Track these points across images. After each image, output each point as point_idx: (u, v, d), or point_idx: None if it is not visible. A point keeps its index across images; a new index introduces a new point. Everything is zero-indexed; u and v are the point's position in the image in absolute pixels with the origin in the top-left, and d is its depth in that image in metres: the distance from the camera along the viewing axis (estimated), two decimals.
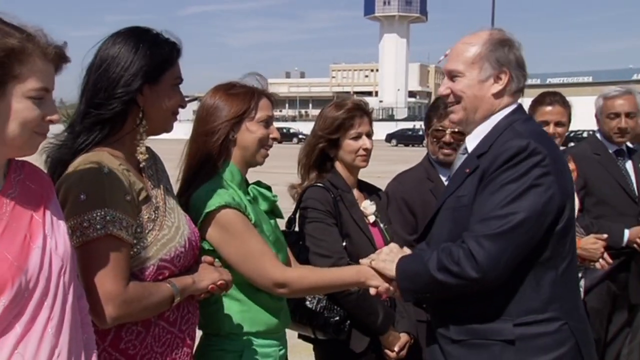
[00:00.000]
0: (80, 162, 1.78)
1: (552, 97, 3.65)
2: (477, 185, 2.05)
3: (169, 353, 1.91)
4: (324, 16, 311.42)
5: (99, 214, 1.71)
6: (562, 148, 3.87)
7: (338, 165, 2.89)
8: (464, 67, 2.18)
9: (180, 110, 2.02)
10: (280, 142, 2.42)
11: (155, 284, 1.84)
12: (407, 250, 2.28)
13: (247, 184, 2.42)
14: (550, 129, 3.53)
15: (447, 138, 3.08)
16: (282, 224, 2.59)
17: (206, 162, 2.28)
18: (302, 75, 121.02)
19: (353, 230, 2.76)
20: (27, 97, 1.49)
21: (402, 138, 49.63)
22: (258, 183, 2.46)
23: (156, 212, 1.87)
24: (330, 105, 2.95)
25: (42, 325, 1.51)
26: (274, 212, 2.47)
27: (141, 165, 1.92)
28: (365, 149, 2.84)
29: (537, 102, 3.66)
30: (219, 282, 1.99)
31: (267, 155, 2.39)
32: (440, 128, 3.09)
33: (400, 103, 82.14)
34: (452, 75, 2.22)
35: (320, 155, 2.87)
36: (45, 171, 1.81)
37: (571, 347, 2.02)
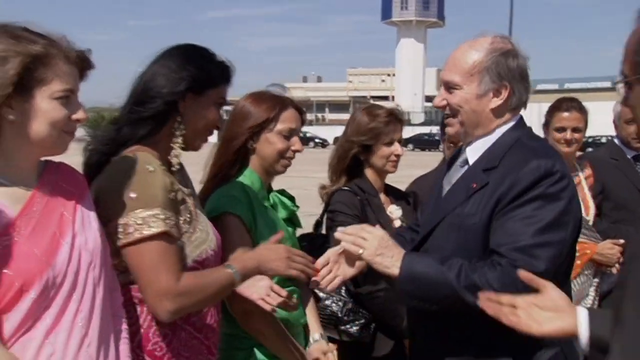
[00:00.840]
0: (125, 161, 1.82)
1: (569, 103, 3.64)
2: (493, 207, 1.89)
3: (194, 358, 1.91)
4: (341, 21, 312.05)
5: (150, 212, 1.75)
6: (579, 154, 3.87)
7: (367, 170, 2.94)
8: (461, 79, 2.00)
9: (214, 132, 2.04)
10: (301, 151, 2.44)
11: (208, 272, 1.87)
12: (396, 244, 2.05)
13: (270, 190, 2.46)
14: (568, 134, 3.53)
15: None
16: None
17: (223, 167, 2.33)
18: (319, 80, 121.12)
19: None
20: (53, 98, 1.56)
21: (419, 142, 49.46)
22: (282, 191, 2.51)
23: (190, 215, 1.91)
24: (362, 110, 2.99)
25: (71, 317, 1.57)
26: (292, 220, 2.51)
27: (173, 169, 1.95)
28: (397, 155, 2.91)
29: (555, 108, 3.66)
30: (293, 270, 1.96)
31: (288, 165, 2.41)
32: None
33: (416, 107, 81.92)
34: (449, 87, 2.04)
35: (353, 159, 2.91)
36: (86, 162, 1.89)
37: None
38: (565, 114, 3.58)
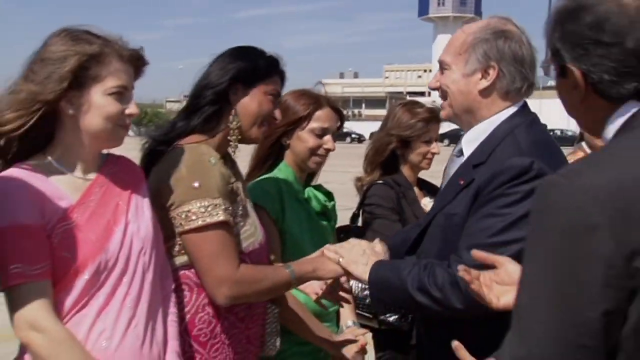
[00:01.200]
0: (187, 152, 1.88)
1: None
2: (470, 204, 1.79)
3: (234, 345, 1.98)
4: (378, 18, 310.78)
5: (213, 201, 1.82)
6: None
7: (403, 165, 3.01)
8: (451, 59, 1.91)
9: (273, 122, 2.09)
10: (333, 150, 2.50)
11: (273, 268, 1.99)
12: (379, 252, 2.06)
13: (306, 184, 2.54)
14: None
15: None
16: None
17: (260, 161, 2.43)
18: (356, 76, 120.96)
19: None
20: (107, 94, 1.66)
21: (455, 138, 48.78)
22: (318, 186, 2.59)
23: (243, 208, 1.99)
24: (402, 107, 3.05)
25: (121, 299, 1.67)
26: (325, 214, 2.58)
27: (232, 156, 2.06)
28: (433, 153, 2.99)
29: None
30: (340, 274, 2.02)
31: (320, 162, 2.46)
32: None
33: None
34: (442, 67, 1.95)
35: (390, 154, 2.98)
36: (144, 153, 1.99)
37: None
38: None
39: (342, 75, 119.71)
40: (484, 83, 1.87)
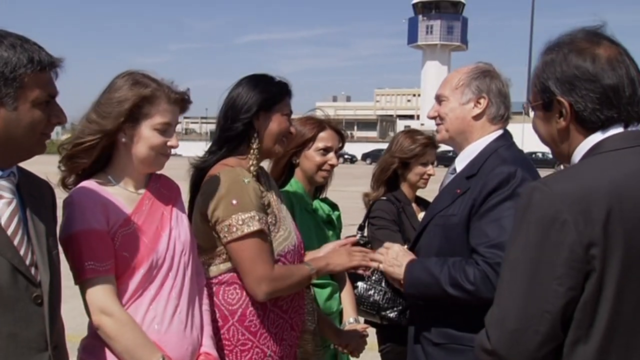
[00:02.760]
0: (226, 175, 2.14)
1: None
2: (470, 208, 2.11)
3: (280, 333, 2.24)
4: (369, 44, 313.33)
5: (248, 214, 2.08)
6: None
7: (403, 184, 3.35)
8: (449, 92, 2.31)
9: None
10: (336, 165, 2.84)
11: (294, 267, 2.23)
12: (409, 253, 2.32)
13: (315, 197, 2.88)
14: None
15: None
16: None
17: (274, 177, 2.69)
18: (348, 99, 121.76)
19: (412, 237, 3.15)
20: (154, 129, 1.96)
21: (443, 159, 49.59)
22: (324, 199, 2.94)
23: (274, 217, 2.25)
24: (405, 134, 3.42)
25: (168, 290, 1.97)
26: (331, 223, 2.90)
27: (261, 172, 2.34)
28: (429, 175, 3.33)
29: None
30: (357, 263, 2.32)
31: (326, 176, 2.81)
32: None
33: None
34: (440, 100, 2.35)
35: (393, 173, 3.33)
36: (191, 178, 2.29)
37: None
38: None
39: (335, 99, 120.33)
40: (477, 110, 2.28)
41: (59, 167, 1.97)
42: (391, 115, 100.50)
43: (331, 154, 2.78)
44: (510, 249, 1.48)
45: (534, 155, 37.77)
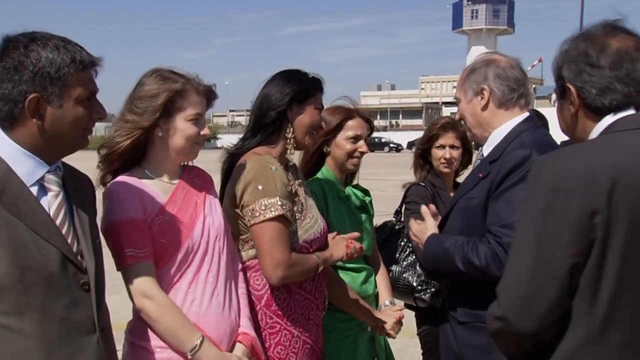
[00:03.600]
0: (254, 162, 2.23)
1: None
2: (487, 190, 2.18)
3: (307, 314, 2.34)
4: (413, 32, 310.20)
5: (273, 200, 2.16)
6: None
7: (435, 169, 3.38)
8: (459, 94, 2.42)
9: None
10: (372, 150, 2.85)
11: (307, 255, 2.29)
12: (435, 228, 2.43)
13: (348, 184, 2.92)
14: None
15: None
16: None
17: (306, 167, 2.77)
18: (393, 88, 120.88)
19: None
20: (187, 120, 2.05)
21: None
22: (356, 185, 2.99)
23: (301, 205, 2.34)
24: (433, 120, 3.49)
25: (205, 274, 2.05)
26: (364, 208, 2.94)
27: (290, 164, 2.42)
28: (445, 158, 3.31)
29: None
30: (348, 253, 2.42)
31: (357, 164, 2.84)
32: None
33: None
34: (458, 102, 2.46)
35: (419, 158, 3.41)
36: (221, 161, 2.38)
37: None
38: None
39: (379, 88, 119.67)
40: (482, 102, 2.33)
41: (98, 166, 2.08)
42: (437, 103, 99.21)
43: (361, 142, 2.81)
44: (521, 220, 1.54)
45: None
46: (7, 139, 1.58)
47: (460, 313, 2.30)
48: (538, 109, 4.54)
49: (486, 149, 2.35)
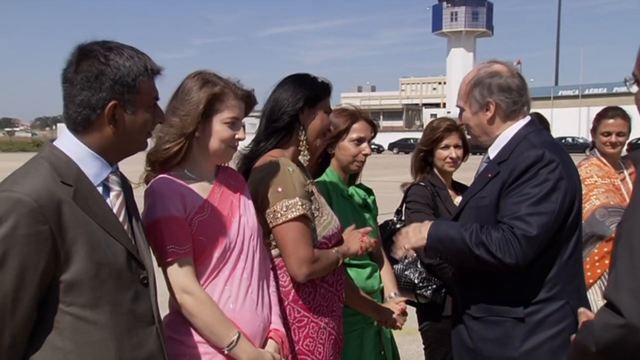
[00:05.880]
0: (272, 165, 2.30)
1: (614, 111, 4.00)
2: (500, 189, 2.26)
3: (331, 306, 2.42)
4: (393, 33, 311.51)
5: (293, 201, 2.23)
6: (625, 154, 4.18)
7: (435, 169, 3.47)
8: (462, 103, 2.49)
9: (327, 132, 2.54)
10: (370, 154, 2.96)
11: (327, 251, 2.36)
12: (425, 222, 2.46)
13: (351, 184, 3.01)
14: (613, 138, 3.88)
15: None
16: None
17: (311, 168, 2.80)
18: (373, 89, 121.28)
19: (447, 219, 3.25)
20: (224, 123, 2.10)
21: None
22: (359, 185, 3.08)
23: (318, 204, 2.40)
24: (432, 121, 3.57)
25: (240, 272, 2.11)
26: (367, 207, 3.03)
27: (305, 165, 2.49)
28: (451, 158, 3.41)
29: (601, 116, 4.01)
30: (363, 247, 2.49)
31: (360, 165, 2.95)
32: None
33: None
34: (461, 110, 2.53)
35: (421, 160, 3.48)
36: (236, 164, 2.43)
37: (570, 323, 2.21)
38: (611, 121, 3.92)
39: (360, 89, 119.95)
40: (488, 115, 2.42)
41: (146, 169, 2.16)
42: (417, 104, 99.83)
43: (364, 144, 2.91)
44: (635, 212, 1.36)
45: (563, 140, 37.38)
46: (77, 141, 1.66)
47: (474, 309, 2.37)
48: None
49: (492, 152, 2.44)
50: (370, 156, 3.02)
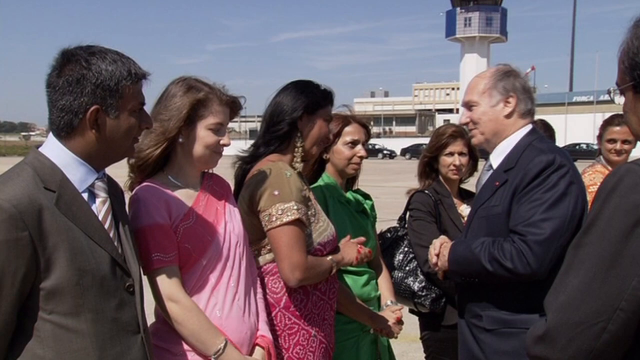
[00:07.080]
0: (270, 169, 2.29)
1: (621, 118, 3.94)
2: (511, 196, 2.26)
3: (322, 314, 2.41)
4: (406, 39, 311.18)
5: (289, 204, 2.22)
6: (631, 161, 4.12)
7: (440, 176, 3.42)
8: (477, 98, 2.45)
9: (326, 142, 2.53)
10: (366, 157, 2.94)
11: (321, 258, 2.35)
12: (447, 241, 2.52)
13: (348, 189, 2.99)
14: (618, 145, 3.82)
15: None
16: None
17: (306, 174, 2.78)
18: (386, 95, 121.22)
19: (450, 227, 3.23)
20: (208, 128, 2.09)
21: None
22: (357, 190, 3.08)
23: (314, 209, 2.39)
24: (439, 127, 3.54)
25: (227, 279, 2.10)
26: (365, 212, 3.00)
27: (297, 171, 2.45)
28: (455, 165, 3.36)
29: (607, 123, 3.96)
30: (358, 257, 2.48)
31: (356, 168, 2.92)
32: None
33: None
34: (470, 106, 2.49)
35: (426, 167, 3.43)
36: (235, 170, 2.43)
37: None
38: (617, 128, 3.87)
39: (373, 94, 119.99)
40: (508, 109, 2.42)
41: (129, 175, 2.14)
42: (430, 110, 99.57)
43: (359, 147, 2.89)
44: (588, 231, 1.27)
45: (577, 147, 36.91)
46: (62, 147, 1.65)
47: (486, 321, 2.33)
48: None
49: (495, 160, 2.43)
50: (382, 161, 2.98)
